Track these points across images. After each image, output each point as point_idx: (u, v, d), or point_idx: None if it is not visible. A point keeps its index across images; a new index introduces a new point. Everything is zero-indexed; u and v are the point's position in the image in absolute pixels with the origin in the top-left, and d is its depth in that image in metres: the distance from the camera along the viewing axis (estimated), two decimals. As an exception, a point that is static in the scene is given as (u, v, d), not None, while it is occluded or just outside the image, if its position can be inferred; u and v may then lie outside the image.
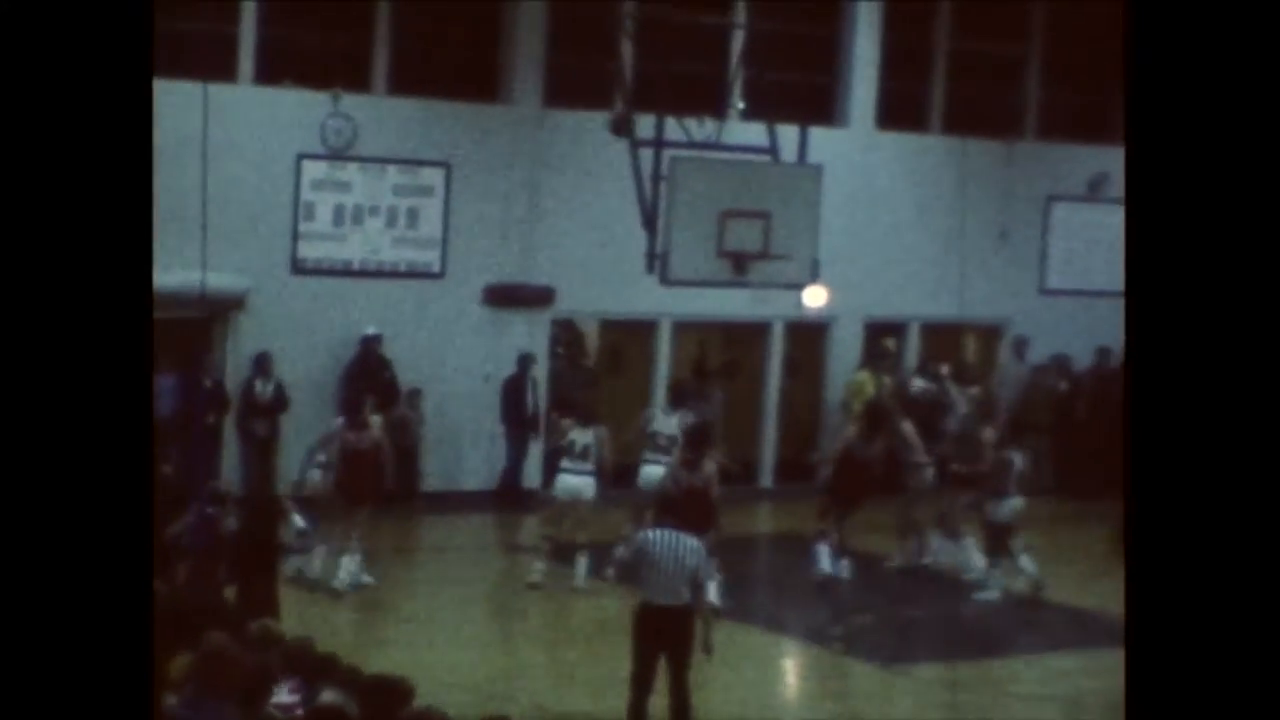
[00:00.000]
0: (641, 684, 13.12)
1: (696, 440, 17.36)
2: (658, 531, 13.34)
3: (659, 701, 13.12)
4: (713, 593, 16.30)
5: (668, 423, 18.98)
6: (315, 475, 17.69)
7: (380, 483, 17.58)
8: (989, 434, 19.22)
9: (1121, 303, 26.51)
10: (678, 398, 20.12)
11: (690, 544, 13.11)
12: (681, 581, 12.99)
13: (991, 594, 18.65)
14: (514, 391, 22.18)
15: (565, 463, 18.57)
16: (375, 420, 17.90)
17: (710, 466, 17.03)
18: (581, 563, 17.95)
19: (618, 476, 18.89)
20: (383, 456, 17.66)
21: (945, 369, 25.52)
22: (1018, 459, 18.87)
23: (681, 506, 15.44)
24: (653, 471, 18.26)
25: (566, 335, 24.12)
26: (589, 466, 18.50)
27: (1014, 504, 18.64)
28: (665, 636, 13.09)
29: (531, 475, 22.60)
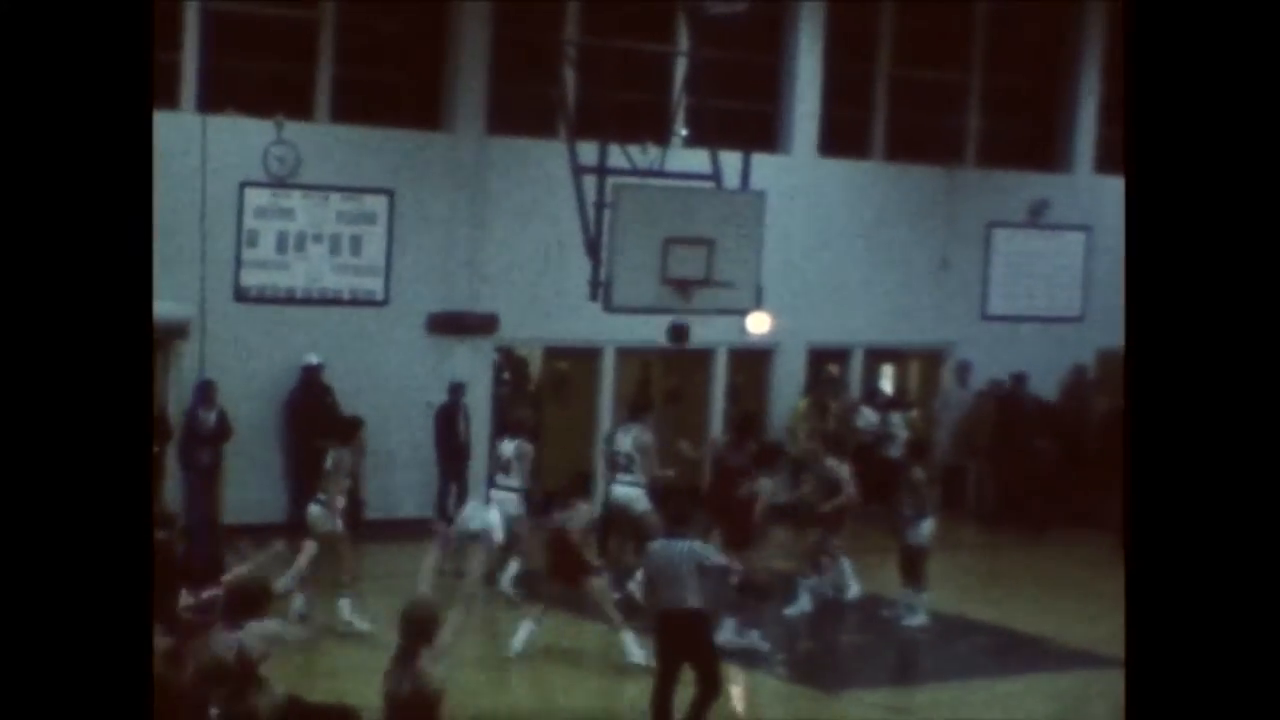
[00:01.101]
0: (663, 688, 13.75)
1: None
2: (660, 542, 14.00)
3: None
4: (729, 631, 16.65)
5: (624, 440, 19.26)
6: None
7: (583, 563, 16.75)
8: (919, 474, 18.92)
9: (1063, 327, 26.60)
10: (634, 413, 20.17)
11: (684, 548, 13.73)
12: (683, 585, 13.55)
13: (918, 619, 18.56)
14: (447, 420, 22.11)
15: (497, 478, 19.16)
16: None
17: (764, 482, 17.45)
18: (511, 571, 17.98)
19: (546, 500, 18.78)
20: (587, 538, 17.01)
21: (886, 394, 25.71)
22: (922, 475, 18.77)
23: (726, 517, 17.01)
24: (621, 491, 18.99)
25: (510, 363, 24.09)
26: (515, 482, 18.98)
27: (929, 526, 18.57)
28: (679, 639, 13.69)
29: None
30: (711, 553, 14.23)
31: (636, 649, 15.85)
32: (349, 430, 18.24)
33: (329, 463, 17.55)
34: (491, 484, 19.50)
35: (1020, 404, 25.54)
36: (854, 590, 19.22)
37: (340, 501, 17.42)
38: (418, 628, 10.11)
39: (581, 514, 16.71)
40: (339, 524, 17.31)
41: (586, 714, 15.37)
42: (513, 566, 18.98)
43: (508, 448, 19.25)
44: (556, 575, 16.48)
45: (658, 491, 18.60)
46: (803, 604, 18.76)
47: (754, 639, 17.10)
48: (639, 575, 15.52)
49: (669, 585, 13.60)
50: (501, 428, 20.83)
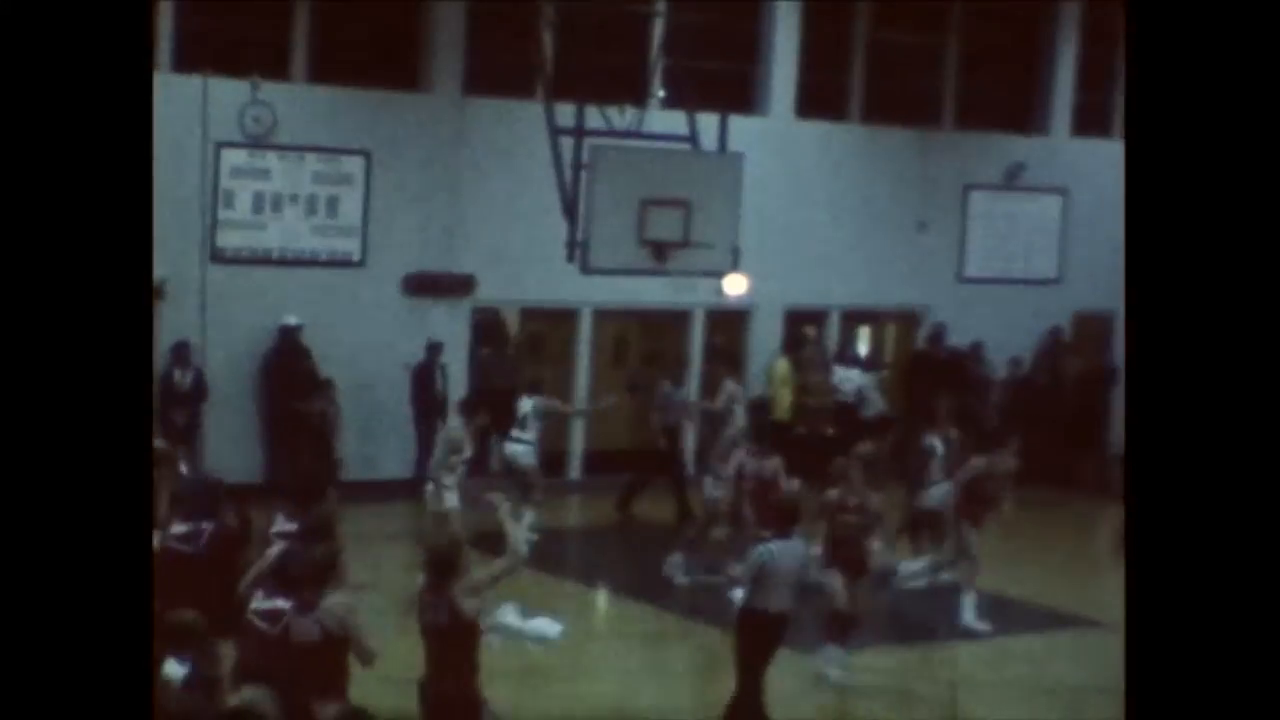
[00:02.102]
0: (755, 689, 13.22)
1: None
2: (777, 543, 13.16)
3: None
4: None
5: (526, 405, 20.34)
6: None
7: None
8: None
9: (1039, 290, 26.56)
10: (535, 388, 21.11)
11: (800, 553, 13.31)
12: (787, 588, 13.13)
13: (920, 581, 18.57)
14: (423, 379, 22.14)
15: (513, 432, 20.36)
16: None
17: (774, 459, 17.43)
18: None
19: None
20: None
21: (858, 355, 25.80)
22: (939, 445, 18.82)
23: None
24: (512, 448, 20.28)
25: (487, 324, 24.08)
26: (529, 436, 20.33)
27: (943, 489, 18.52)
28: (771, 641, 13.25)
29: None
30: (816, 568, 13.89)
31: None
32: (472, 408, 18.87)
33: (440, 441, 17.55)
34: (507, 437, 20.62)
35: (964, 372, 25.50)
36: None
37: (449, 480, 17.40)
38: (444, 563, 10.55)
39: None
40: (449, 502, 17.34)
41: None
42: (528, 516, 19.11)
43: (526, 405, 20.48)
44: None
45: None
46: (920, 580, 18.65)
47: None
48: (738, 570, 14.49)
49: (775, 587, 13.02)
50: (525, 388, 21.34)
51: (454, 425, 17.56)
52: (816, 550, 14.41)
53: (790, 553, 13.11)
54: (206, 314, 20.94)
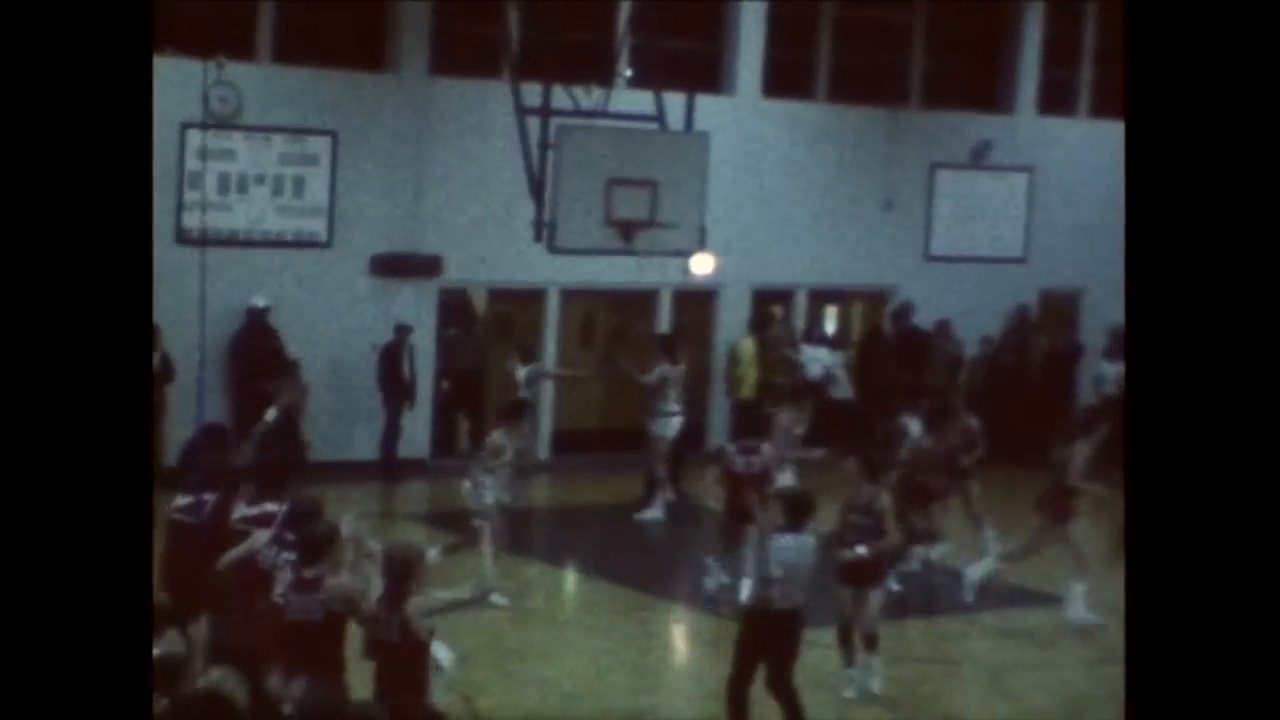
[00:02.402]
0: (741, 689, 12.90)
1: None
2: (787, 536, 12.89)
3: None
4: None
5: (520, 371, 20.97)
6: None
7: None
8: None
9: (1006, 268, 26.61)
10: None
11: (809, 543, 12.96)
12: (799, 584, 12.82)
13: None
14: (390, 360, 22.11)
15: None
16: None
17: (767, 451, 17.05)
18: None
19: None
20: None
21: (825, 333, 25.84)
22: (914, 426, 18.77)
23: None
24: None
25: (454, 304, 24.07)
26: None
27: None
28: (775, 640, 12.90)
29: (415, 443, 22.60)
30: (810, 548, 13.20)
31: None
32: (513, 411, 17.59)
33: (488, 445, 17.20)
34: None
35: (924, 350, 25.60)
36: None
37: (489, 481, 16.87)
38: (404, 571, 10.15)
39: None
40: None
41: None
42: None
43: (521, 372, 21.40)
44: None
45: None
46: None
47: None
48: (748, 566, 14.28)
49: (787, 582, 12.72)
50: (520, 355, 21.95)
51: (496, 434, 17.16)
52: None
53: (801, 548, 12.82)
54: (172, 295, 20.85)
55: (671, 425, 21.00)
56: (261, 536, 11.33)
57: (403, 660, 10.07)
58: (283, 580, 10.56)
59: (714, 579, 17.28)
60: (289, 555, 10.81)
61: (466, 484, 16.99)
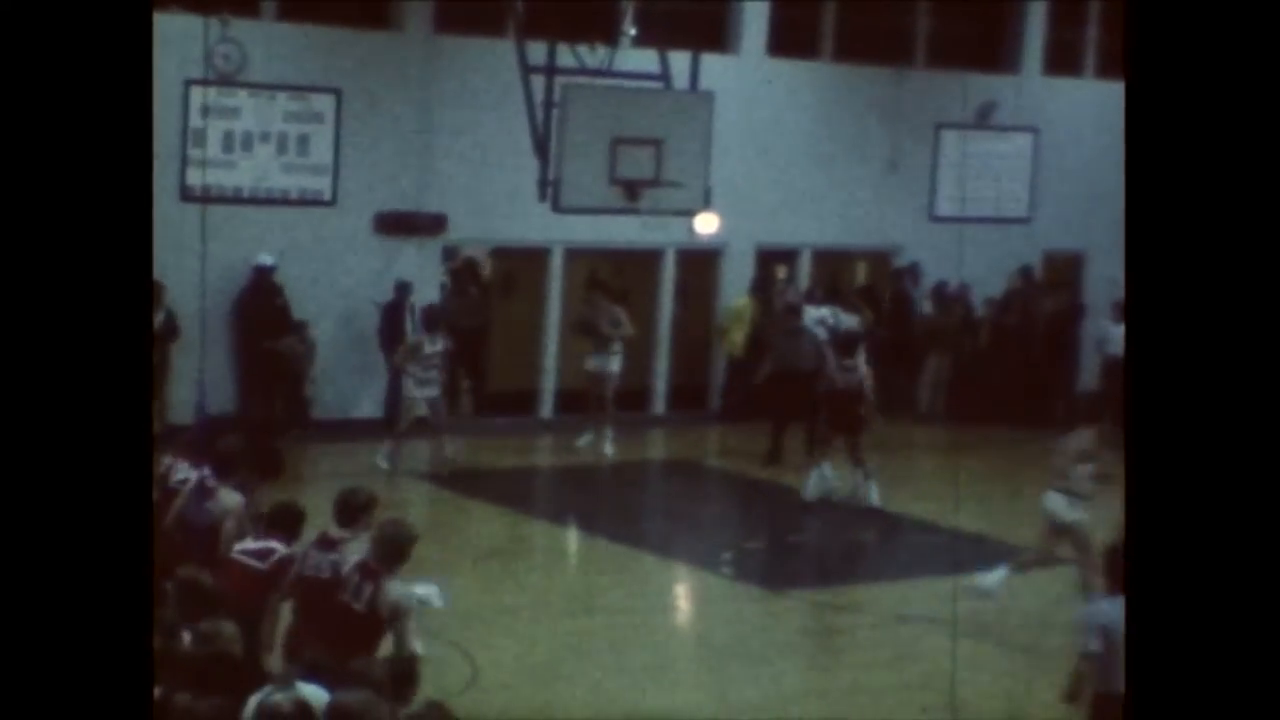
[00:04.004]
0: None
1: (849, 344, 19.89)
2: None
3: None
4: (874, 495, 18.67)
5: (434, 344, 20.07)
6: None
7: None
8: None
9: (1010, 228, 26.49)
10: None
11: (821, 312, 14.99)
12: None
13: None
14: (392, 317, 22.09)
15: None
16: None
17: (863, 368, 19.08)
18: None
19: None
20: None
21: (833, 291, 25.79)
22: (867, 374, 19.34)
23: (839, 404, 18.84)
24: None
25: (458, 263, 24.07)
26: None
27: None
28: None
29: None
30: None
31: None
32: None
33: None
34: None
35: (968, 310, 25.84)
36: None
37: None
38: (395, 551, 10.17)
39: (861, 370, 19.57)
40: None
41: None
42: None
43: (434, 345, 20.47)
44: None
45: None
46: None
47: None
48: None
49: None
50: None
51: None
52: None
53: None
54: (176, 253, 20.85)
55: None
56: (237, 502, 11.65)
57: (356, 629, 10.04)
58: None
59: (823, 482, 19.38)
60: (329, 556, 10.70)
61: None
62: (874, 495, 19.13)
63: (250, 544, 11.12)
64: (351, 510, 10.83)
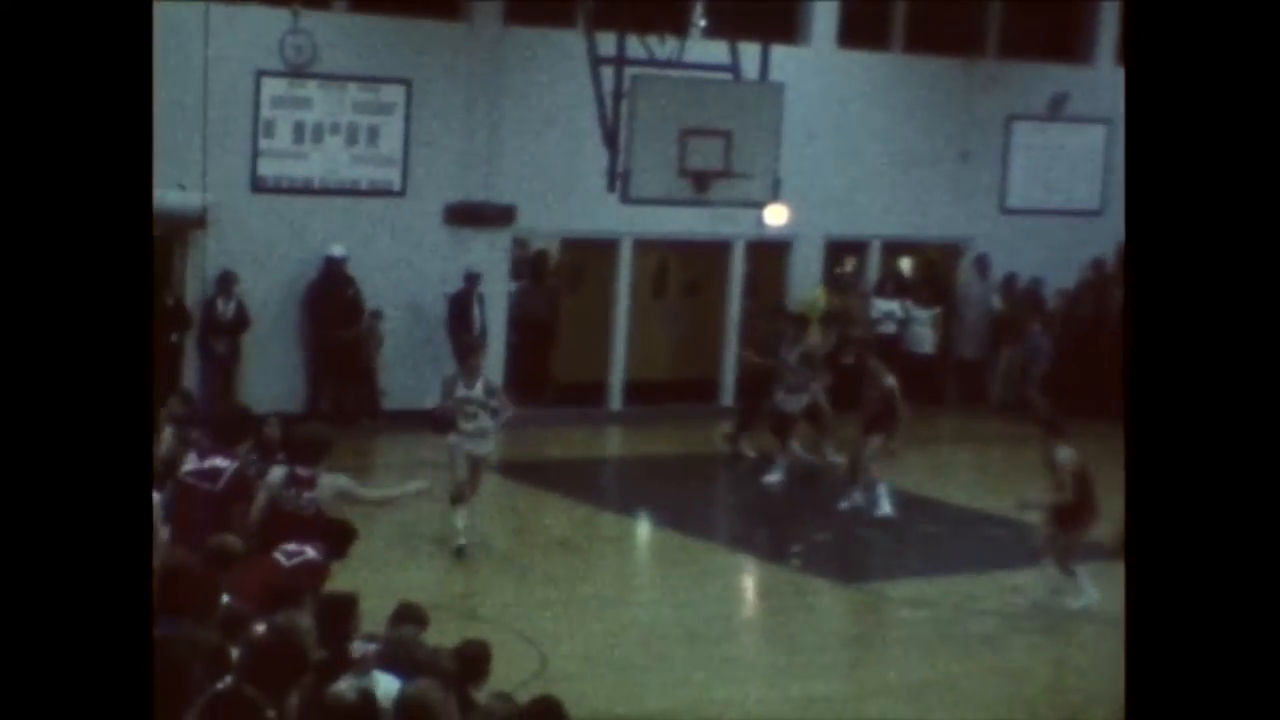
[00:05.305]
0: None
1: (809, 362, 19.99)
2: None
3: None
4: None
5: (470, 388, 16.78)
6: None
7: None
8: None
9: (1083, 221, 26.38)
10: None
11: None
12: None
13: (776, 477, 19.99)
14: (460, 307, 22.13)
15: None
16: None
17: (890, 381, 18.59)
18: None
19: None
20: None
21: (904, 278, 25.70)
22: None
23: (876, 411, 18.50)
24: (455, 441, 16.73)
25: (530, 254, 24.10)
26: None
27: (803, 399, 20.02)
28: None
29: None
30: None
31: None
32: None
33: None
34: None
35: (1039, 303, 25.71)
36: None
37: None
38: (311, 450, 12.02)
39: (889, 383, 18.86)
40: None
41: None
42: None
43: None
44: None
45: None
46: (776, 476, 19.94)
47: None
48: None
49: None
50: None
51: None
52: None
53: None
54: (247, 243, 21.00)
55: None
56: (277, 473, 12.00)
57: (318, 532, 11.08)
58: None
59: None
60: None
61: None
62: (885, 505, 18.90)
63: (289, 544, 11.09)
64: (315, 448, 12.08)
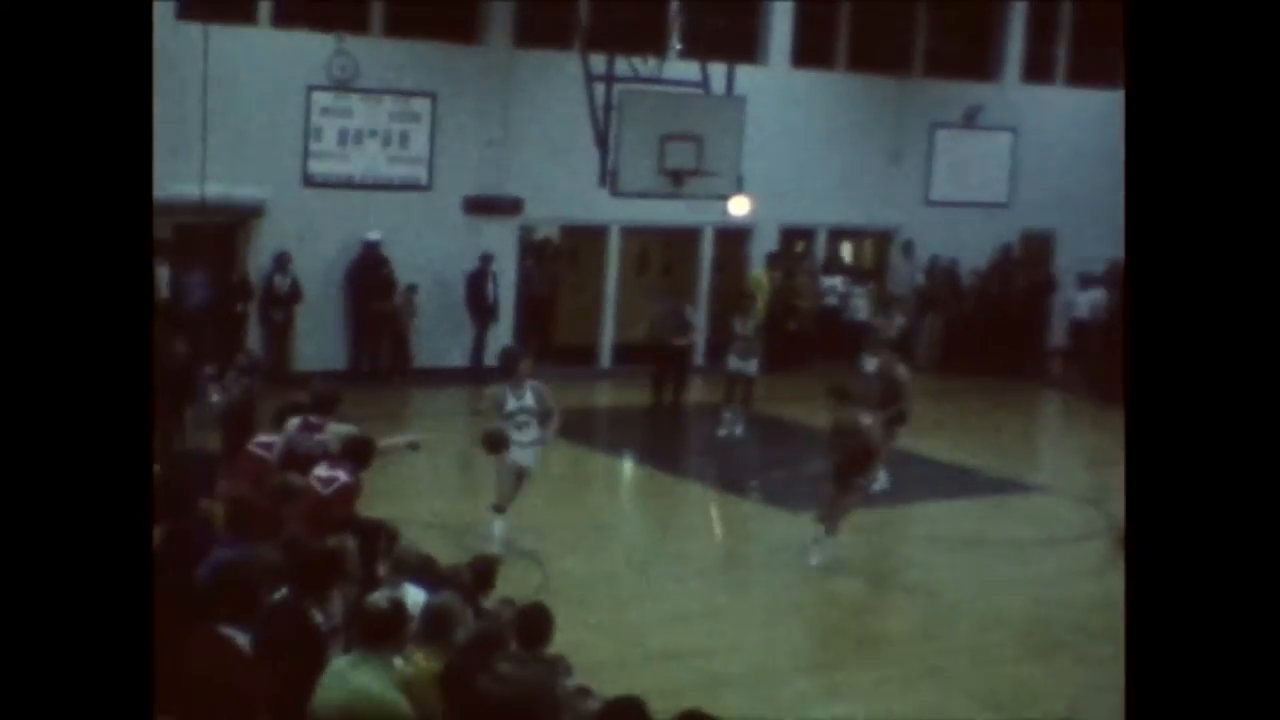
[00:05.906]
0: None
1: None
2: None
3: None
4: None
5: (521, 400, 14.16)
6: None
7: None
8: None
9: (992, 212, 26.28)
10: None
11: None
12: None
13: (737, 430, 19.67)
14: (476, 284, 22.15)
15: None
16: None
17: (903, 371, 16.75)
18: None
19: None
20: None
21: (844, 262, 25.68)
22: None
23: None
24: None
25: (539, 240, 24.07)
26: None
27: (753, 364, 19.90)
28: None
29: (492, 355, 22.66)
30: None
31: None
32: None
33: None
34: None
35: (956, 281, 25.73)
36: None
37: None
38: (324, 402, 12.00)
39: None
40: None
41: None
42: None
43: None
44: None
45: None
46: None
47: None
48: None
49: None
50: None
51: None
52: None
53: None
54: (300, 229, 21.01)
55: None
56: (294, 422, 11.85)
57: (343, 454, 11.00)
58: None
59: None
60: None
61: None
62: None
63: (322, 470, 10.84)
64: (327, 401, 12.04)
